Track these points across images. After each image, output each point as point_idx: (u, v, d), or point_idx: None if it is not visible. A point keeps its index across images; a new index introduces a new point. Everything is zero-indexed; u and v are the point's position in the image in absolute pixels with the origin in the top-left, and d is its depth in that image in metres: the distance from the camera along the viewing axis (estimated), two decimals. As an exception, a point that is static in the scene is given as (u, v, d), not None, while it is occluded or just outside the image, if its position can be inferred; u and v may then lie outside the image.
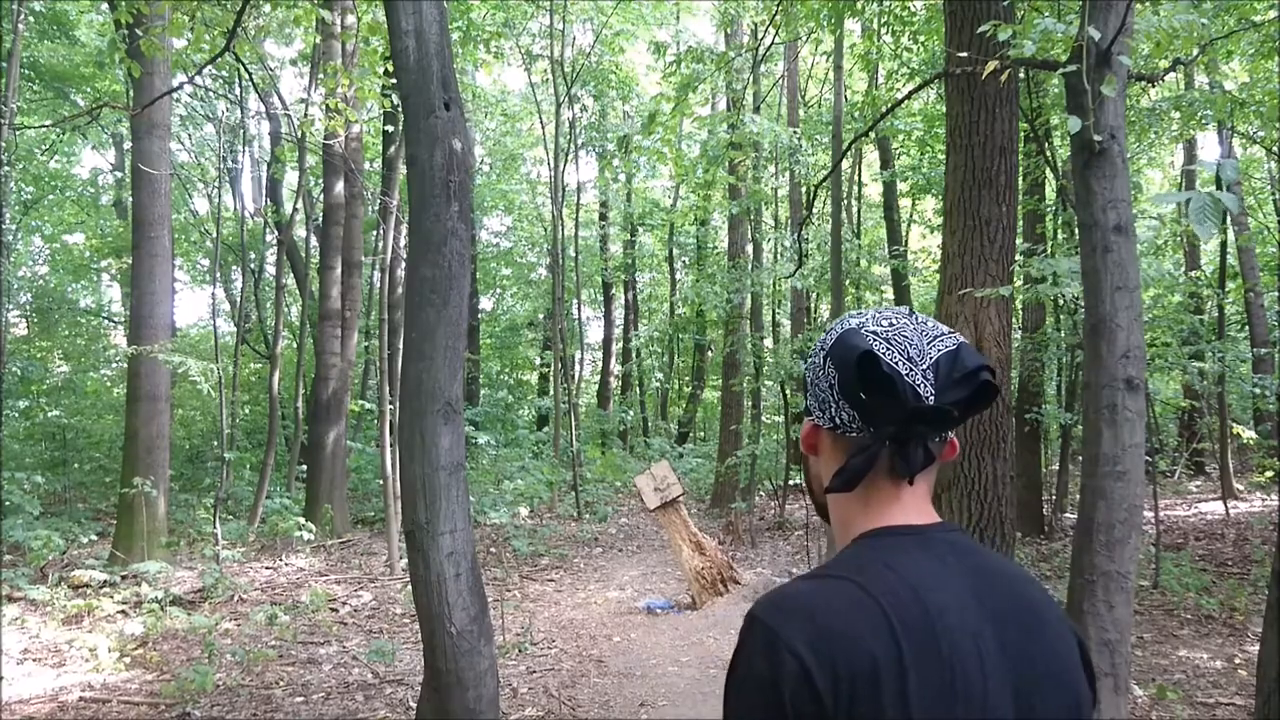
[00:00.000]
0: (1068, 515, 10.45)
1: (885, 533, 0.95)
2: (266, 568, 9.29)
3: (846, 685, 0.82)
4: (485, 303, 24.09)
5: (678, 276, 23.39)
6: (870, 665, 0.83)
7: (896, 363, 0.93)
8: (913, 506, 0.97)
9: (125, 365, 10.57)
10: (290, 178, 18.88)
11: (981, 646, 0.87)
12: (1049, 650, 0.92)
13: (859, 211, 19.03)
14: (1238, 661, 5.67)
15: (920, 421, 0.92)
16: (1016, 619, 0.91)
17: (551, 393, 16.74)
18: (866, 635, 0.84)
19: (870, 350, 0.93)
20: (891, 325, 0.97)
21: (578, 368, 23.26)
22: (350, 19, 10.55)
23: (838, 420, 0.98)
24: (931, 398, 0.92)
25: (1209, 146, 16.73)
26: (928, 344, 0.95)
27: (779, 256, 16.60)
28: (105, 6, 12.86)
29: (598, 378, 24.49)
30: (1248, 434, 11.94)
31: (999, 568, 0.96)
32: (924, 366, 0.93)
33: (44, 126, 13.36)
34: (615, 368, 23.24)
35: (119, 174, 18.44)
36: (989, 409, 4.57)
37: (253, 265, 17.27)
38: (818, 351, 1.01)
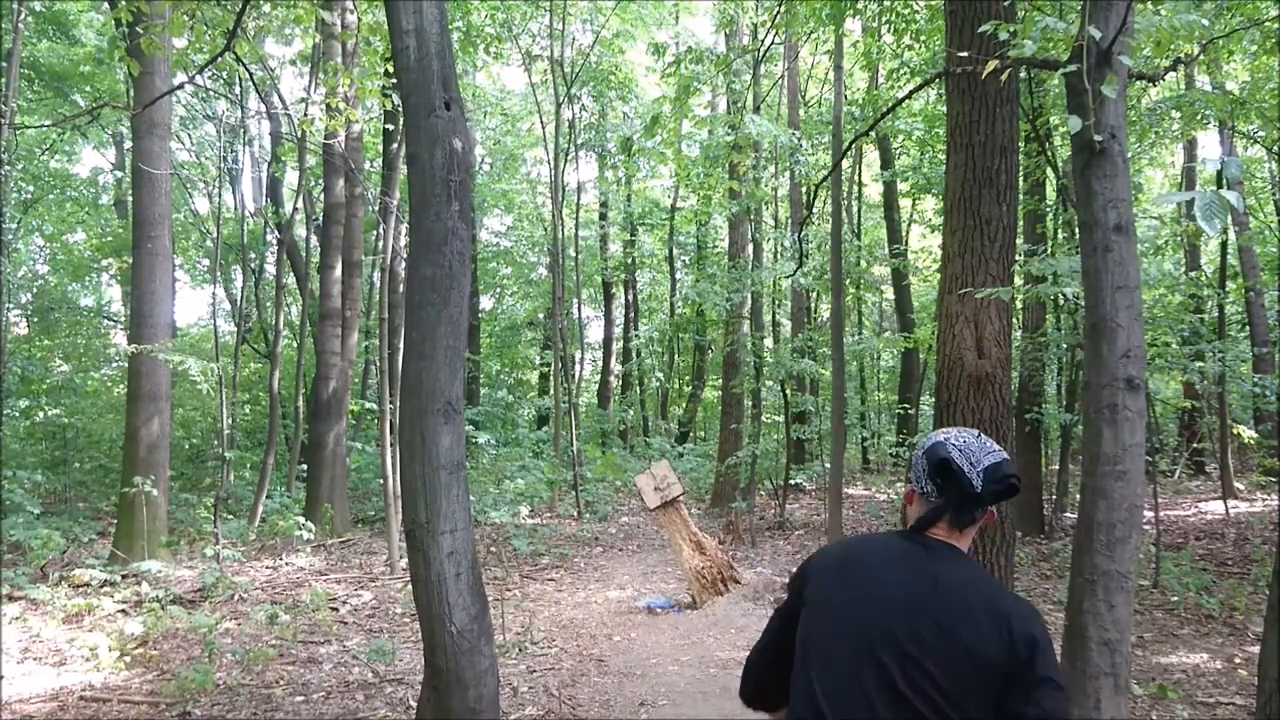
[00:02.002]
0: (1068, 515, 10.45)
1: (904, 533, 1.71)
2: (267, 567, 9.29)
3: (814, 569, 1.73)
4: (485, 302, 24.10)
5: (678, 276, 23.39)
6: (825, 563, 1.72)
7: (963, 465, 1.63)
8: (953, 540, 1.66)
9: (125, 365, 10.57)
10: (290, 177, 18.88)
11: (889, 574, 1.60)
12: (947, 609, 1.52)
13: (859, 211, 19.05)
14: (1238, 661, 5.67)
15: (971, 500, 1.63)
16: (935, 581, 1.56)
17: (551, 392, 16.74)
18: (834, 554, 1.74)
19: (948, 458, 1.64)
20: (965, 442, 1.67)
21: (578, 367, 23.26)
22: (350, 18, 10.55)
23: (924, 490, 1.69)
24: (979, 488, 1.62)
25: (1209, 146, 16.74)
26: (984, 455, 1.64)
27: (779, 256, 16.60)
28: (105, 6, 12.87)
29: (598, 377, 24.49)
30: (1248, 434, 11.94)
31: (958, 565, 1.60)
32: (979, 469, 1.62)
33: (44, 126, 13.36)
34: (615, 367, 23.24)
35: (119, 173, 18.44)
36: (992, 414, 4.56)
37: (253, 265, 17.28)
38: (920, 448, 1.72)
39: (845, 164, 13.48)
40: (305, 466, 12.14)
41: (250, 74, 8.02)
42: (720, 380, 15.52)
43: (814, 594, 1.67)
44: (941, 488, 1.64)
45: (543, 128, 17.02)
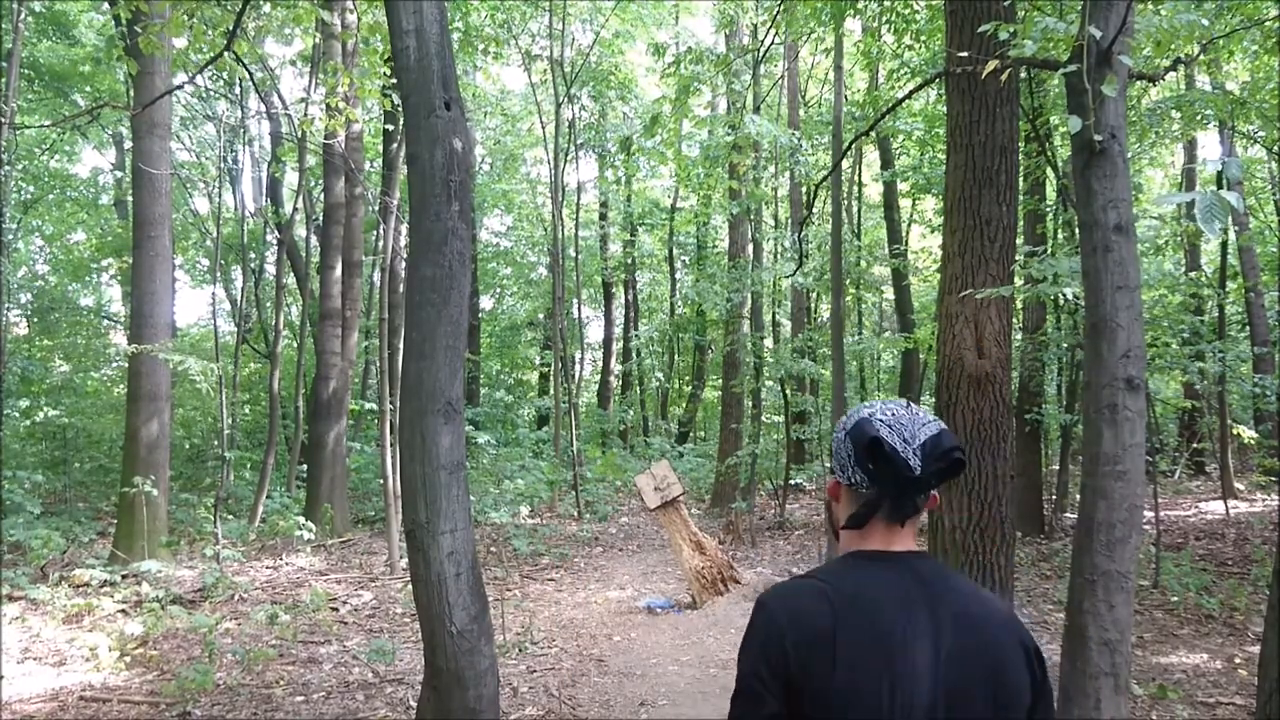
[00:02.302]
0: (1068, 515, 10.45)
1: (861, 554, 1.39)
2: (267, 567, 9.29)
3: (802, 646, 1.26)
4: (485, 303, 24.09)
5: (678, 276, 23.39)
6: (813, 634, 1.26)
7: (896, 444, 1.33)
8: (895, 541, 1.38)
9: (125, 365, 10.57)
10: (290, 177, 18.88)
11: (909, 630, 1.26)
12: (982, 647, 1.27)
13: (859, 211, 19.03)
14: (1238, 661, 5.67)
15: (910, 485, 1.34)
16: (954, 619, 1.28)
17: (551, 392, 16.74)
18: (816, 615, 1.28)
19: (878, 436, 1.33)
20: (894, 415, 1.37)
21: (578, 367, 23.25)
22: (350, 19, 10.55)
23: (853, 480, 1.39)
24: (919, 469, 1.33)
25: (1209, 146, 16.74)
26: (918, 429, 1.35)
27: (779, 256, 16.60)
28: (105, 5, 12.86)
29: (598, 377, 24.49)
30: (1248, 434, 11.94)
31: (952, 585, 1.33)
32: (915, 446, 1.33)
33: (44, 126, 13.35)
34: (615, 367, 23.24)
35: (119, 173, 18.44)
36: (992, 414, 4.55)
37: (253, 265, 17.28)
38: (841, 429, 1.43)
39: (845, 164, 13.47)
40: (305, 466, 12.14)
41: (250, 74, 8.01)
42: (720, 380, 15.52)
43: (815, 668, 1.24)
44: (874, 475, 1.34)
45: (542, 128, 17.02)
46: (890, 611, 1.27)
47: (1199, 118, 8.62)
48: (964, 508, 4.40)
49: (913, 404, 1.41)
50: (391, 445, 9.42)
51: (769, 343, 15.62)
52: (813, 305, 17.14)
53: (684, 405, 23.50)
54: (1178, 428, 16.04)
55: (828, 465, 8.95)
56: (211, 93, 15.09)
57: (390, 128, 12.27)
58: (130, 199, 10.63)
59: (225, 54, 5.55)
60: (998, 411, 4.55)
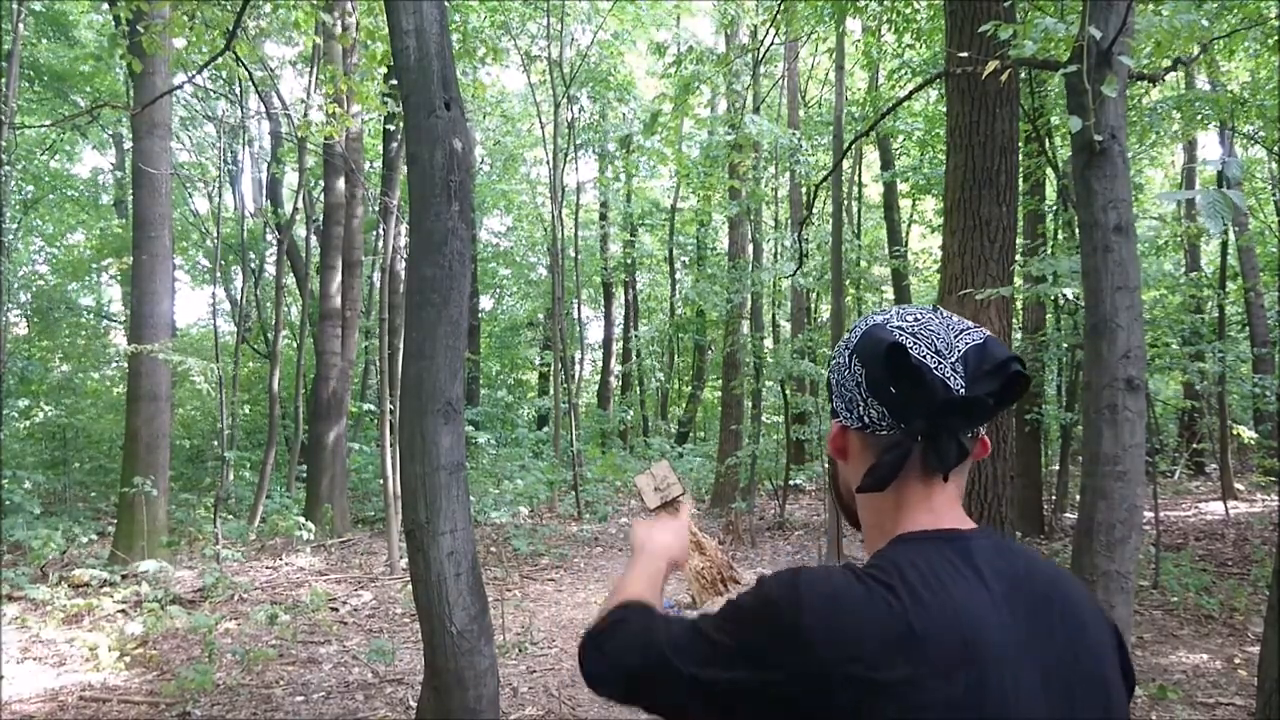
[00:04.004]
0: (1068, 515, 10.45)
1: (925, 538, 0.91)
2: (267, 567, 9.29)
3: (859, 684, 0.80)
4: (485, 303, 24.09)
5: (678, 276, 23.39)
6: (898, 655, 0.81)
7: (925, 355, 0.90)
8: (946, 508, 0.95)
9: (125, 365, 10.57)
10: (290, 178, 18.88)
11: (1021, 672, 0.85)
12: (1087, 653, 0.91)
13: (859, 212, 19.03)
14: (1238, 661, 5.67)
15: (953, 414, 0.89)
16: (1058, 632, 0.90)
17: (551, 392, 16.74)
18: (944, 637, 0.82)
19: (898, 342, 0.90)
20: (917, 320, 0.94)
21: (578, 368, 23.25)
22: (350, 21, 10.55)
23: (867, 419, 0.95)
24: (963, 389, 0.90)
25: (1209, 146, 16.73)
26: (955, 337, 0.93)
27: (779, 256, 16.60)
28: (105, 5, 12.86)
29: (598, 378, 24.49)
30: (1248, 434, 11.94)
31: (1036, 572, 0.93)
32: (953, 359, 0.91)
33: (44, 126, 13.36)
34: (615, 367, 23.24)
35: (119, 173, 18.44)
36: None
37: (253, 265, 17.28)
38: (842, 351, 0.99)
39: (845, 164, 13.47)
40: (305, 467, 12.13)
41: (250, 74, 8.01)
42: (720, 380, 15.52)
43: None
44: (898, 404, 0.91)
45: (542, 128, 17.03)
46: (999, 651, 0.84)
47: (1199, 118, 8.62)
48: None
49: (942, 309, 0.98)
50: (391, 445, 9.42)
51: (769, 343, 15.62)
52: (813, 305, 17.14)
53: (684, 405, 23.49)
54: (1178, 428, 16.04)
55: (827, 467, 7.64)
56: (211, 93, 15.09)
57: (390, 128, 12.27)
58: (130, 199, 10.63)
59: (225, 54, 5.55)
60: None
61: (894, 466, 0.91)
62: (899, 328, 0.93)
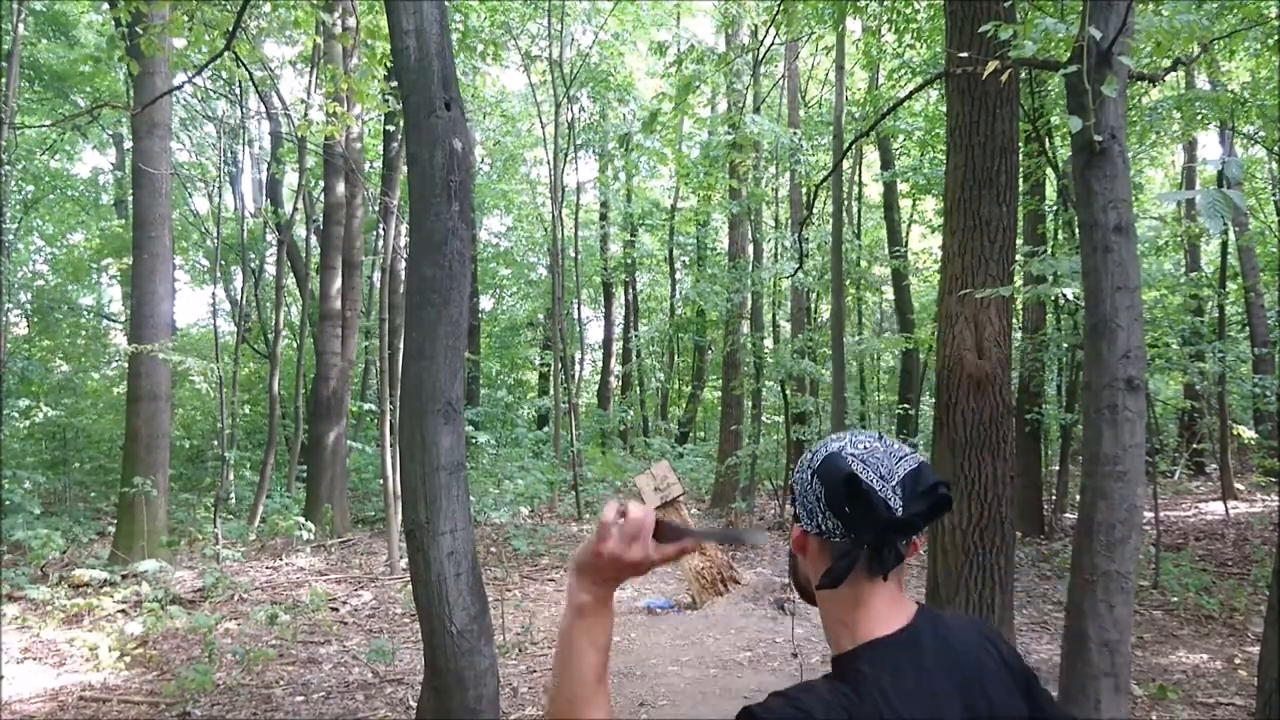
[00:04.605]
0: (1068, 515, 10.45)
1: (883, 645, 1.13)
2: (267, 567, 9.29)
3: None
4: (485, 303, 24.09)
5: (678, 276, 23.39)
6: None
7: (872, 480, 1.12)
8: (892, 603, 1.16)
9: (125, 365, 10.57)
10: (290, 178, 18.88)
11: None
12: (999, 702, 1.14)
13: (859, 212, 19.03)
14: (1238, 661, 5.67)
15: (893, 530, 1.12)
16: (981, 702, 1.12)
17: (551, 392, 16.74)
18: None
19: (853, 473, 1.12)
20: (867, 449, 1.16)
21: (578, 368, 23.25)
22: (350, 21, 10.55)
23: (824, 528, 1.16)
24: (900, 509, 1.11)
25: (1210, 146, 16.74)
26: (895, 464, 1.14)
27: (779, 256, 16.60)
28: (105, 6, 12.86)
29: (598, 378, 24.49)
30: (1248, 434, 11.95)
31: (965, 648, 1.17)
32: (893, 483, 1.12)
33: (44, 126, 13.35)
34: (615, 368, 23.24)
35: (119, 173, 18.44)
36: (992, 415, 4.54)
37: (253, 265, 17.28)
38: (805, 469, 1.19)
39: (845, 164, 13.46)
40: (305, 467, 12.13)
41: (250, 74, 8.00)
42: (720, 381, 15.52)
43: None
44: (849, 520, 1.13)
45: (543, 128, 17.03)
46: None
47: (1199, 118, 8.62)
48: (964, 508, 4.40)
49: (885, 435, 1.21)
50: (391, 445, 9.42)
51: (769, 343, 15.62)
52: (813, 305, 17.13)
53: (684, 406, 23.49)
54: (1178, 428, 16.04)
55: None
56: (211, 93, 15.09)
57: (390, 128, 12.27)
58: (130, 199, 10.63)
59: (225, 54, 5.55)
60: (998, 412, 4.55)
61: (846, 569, 1.14)
62: (852, 454, 1.15)
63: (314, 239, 16.11)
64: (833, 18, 9.29)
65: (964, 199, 4.71)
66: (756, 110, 13.38)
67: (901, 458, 1.16)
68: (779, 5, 8.57)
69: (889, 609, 1.16)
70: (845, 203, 14.18)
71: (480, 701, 3.16)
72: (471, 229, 3.41)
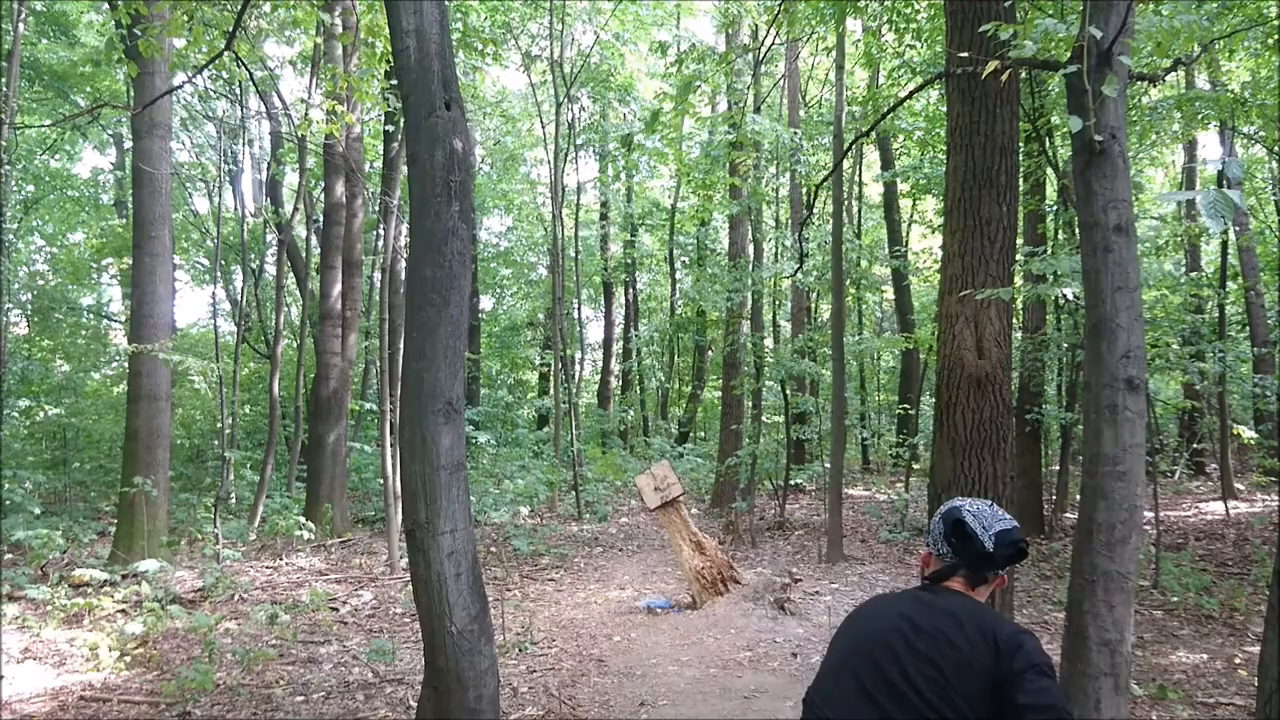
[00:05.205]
0: (1068, 515, 10.45)
1: (915, 588, 1.90)
2: (267, 567, 9.29)
3: (839, 631, 1.90)
4: (485, 303, 24.09)
5: (678, 276, 23.40)
6: (844, 623, 1.91)
7: (976, 529, 1.81)
8: (958, 586, 1.84)
9: (125, 364, 10.57)
10: (290, 178, 18.88)
11: (885, 614, 1.80)
12: (941, 626, 1.70)
13: (860, 212, 19.05)
14: (1238, 661, 5.67)
15: (983, 562, 1.80)
16: (926, 613, 1.75)
17: (551, 392, 16.74)
18: (854, 612, 1.92)
19: (962, 518, 1.83)
20: (979, 508, 1.84)
21: (578, 368, 23.26)
22: (352, 19, 10.55)
23: (939, 551, 1.87)
24: (990, 548, 1.79)
25: (1210, 146, 16.74)
26: (996, 521, 1.82)
27: (779, 256, 16.60)
28: (105, 6, 12.86)
29: (598, 377, 24.49)
30: (1248, 434, 11.94)
31: (955, 598, 1.79)
32: (991, 533, 1.80)
33: (44, 126, 13.35)
34: (615, 367, 23.24)
35: (119, 173, 18.44)
36: (992, 414, 4.54)
37: (253, 265, 17.28)
38: (938, 514, 1.90)
39: (845, 164, 13.47)
40: (305, 467, 12.13)
41: (250, 74, 8.00)
42: (720, 380, 15.51)
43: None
44: (956, 548, 1.81)
45: (543, 128, 17.03)
46: (890, 600, 1.83)
47: (1199, 118, 8.62)
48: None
49: (996, 505, 1.87)
50: (391, 445, 9.43)
51: (769, 343, 15.62)
52: (813, 305, 17.14)
53: (684, 405, 23.50)
54: (1178, 428, 16.04)
55: (827, 467, 9.17)
56: (211, 93, 15.09)
57: (390, 128, 12.27)
58: (130, 199, 10.63)
59: (225, 54, 5.55)
60: (998, 412, 4.55)
61: (947, 575, 1.84)
62: (968, 510, 1.84)
63: (314, 239, 16.12)
64: (833, 18, 9.29)
65: (964, 199, 4.71)
66: (757, 110, 13.39)
67: (1001, 519, 1.82)
68: (779, 5, 8.57)
69: (955, 586, 1.84)
70: (845, 203, 14.19)
71: (480, 701, 3.17)
72: (472, 229, 3.41)
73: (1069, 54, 2.96)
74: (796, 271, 11.34)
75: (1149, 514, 7.26)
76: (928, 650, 1.66)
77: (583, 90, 17.33)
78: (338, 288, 11.99)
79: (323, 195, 13.54)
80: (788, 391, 12.80)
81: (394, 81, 4.46)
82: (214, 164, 17.24)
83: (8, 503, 9.98)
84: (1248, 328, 13.79)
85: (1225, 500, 11.22)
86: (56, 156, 19.04)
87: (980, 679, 1.61)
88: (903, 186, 15.82)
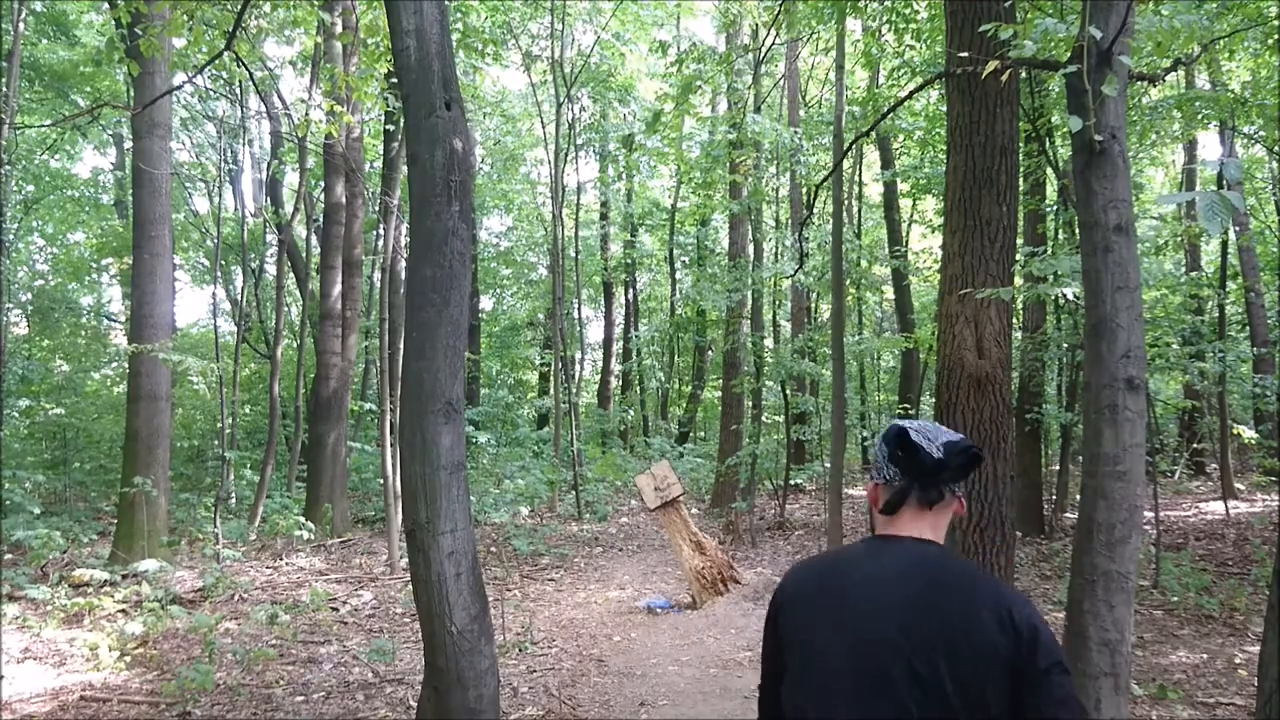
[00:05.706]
0: (1068, 515, 10.45)
1: (873, 537, 1.62)
2: (267, 567, 9.29)
3: (785, 607, 1.62)
4: (485, 303, 24.09)
5: (678, 276, 23.40)
6: (797, 594, 1.61)
7: (921, 442, 1.57)
8: (914, 528, 1.58)
9: (126, 365, 10.57)
10: (290, 178, 18.88)
11: (880, 599, 1.48)
12: (949, 612, 1.44)
13: (860, 211, 19.03)
14: (1238, 661, 5.67)
15: (933, 473, 1.56)
16: (925, 592, 1.48)
17: (551, 392, 16.74)
18: (807, 580, 1.61)
19: (904, 428, 1.59)
20: (922, 424, 1.62)
21: (578, 368, 23.25)
22: (352, 19, 10.55)
23: (886, 475, 1.61)
24: (940, 455, 1.56)
25: (1210, 146, 16.74)
26: (941, 434, 1.60)
27: (779, 256, 16.60)
28: (105, 6, 12.86)
29: (598, 377, 24.49)
30: (1248, 434, 11.94)
31: (944, 565, 1.53)
32: (937, 443, 1.58)
33: (44, 126, 13.34)
34: (615, 367, 23.24)
35: (119, 173, 18.44)
36: (992, 414, 4.54)
37: (253, 265, 17.28)
38: (878, 440, 1.66)
39: (846, 164, 13.44)
40: (305, 467, 12.13)
41: (250, 74, 8.00)
42: (720, 380, 15.51)
43: (792, 623, 1.57)
44: (903, 466, 1.57)
45: (543, 128, 17.02)
46: (869, 571, 1.53)
47: (1199, 118, 8.61)
48: (965, 508, 4.41)
49: (941, 425, 1.72)
50: (391, 445, 9.42)
51: (769, 343, 15.61)
52: (813, 305, 17.13)
53: (684, 405, 23.50)
54: (1178, 428, 16.04)
55: (827, 467, 9.21)
56: (211, 93, 15.09)
57: (390, 128, 12.27)
58: (130, 199, 10.63)
59: (225, 54, 5.55)
60: (998, 411, 4.55)
61: (898, 502, 1.60)
62: (911, 427, 1.60)
63: (314, 239, 16.12)
64: (833, 18, 9.28)
65: (964, 199, 4.71)
66: (757, 110, 13.38)
67: (948, 433, 1.60)
68: (779, 5, 8.57)
69: (906, 528, 1.59)
70: (845, 203, 14.17)
71: (480, 701, 3.17)
72: (472, 229, 3.41)
73: (1069, 54, 2.96)
74: (796, 271, 11.34)
75: (1149, 514, 7.26)
76: (942, 650, 1.42)
77: (583, 90, 17.33)
78: (338, 288, 11.99)
79: (323, 195, 13.54)
80: (788, 391, 12.79)
81: (394, 81, 4.46)
82: (214, 164, 17.24)
83: (8, 503, 9.98)
84: (1248, 328, 13.79)
85: (1225, 500, 11.22)
86: (56, 156, 19.03)
87: (994, 668, 1.40)
88: (903, 186, 15.81)
